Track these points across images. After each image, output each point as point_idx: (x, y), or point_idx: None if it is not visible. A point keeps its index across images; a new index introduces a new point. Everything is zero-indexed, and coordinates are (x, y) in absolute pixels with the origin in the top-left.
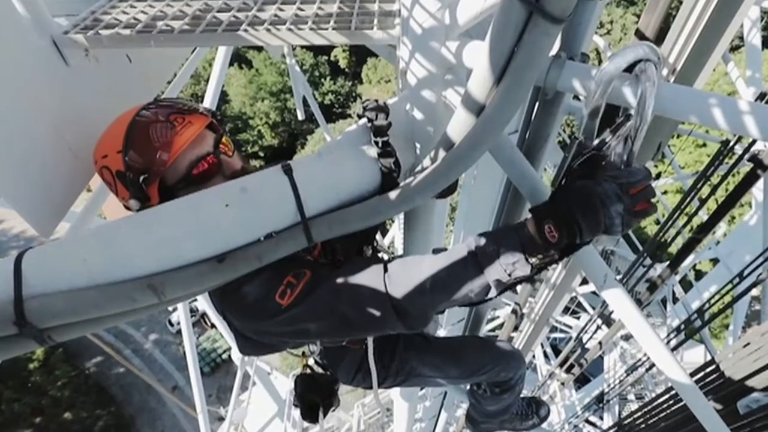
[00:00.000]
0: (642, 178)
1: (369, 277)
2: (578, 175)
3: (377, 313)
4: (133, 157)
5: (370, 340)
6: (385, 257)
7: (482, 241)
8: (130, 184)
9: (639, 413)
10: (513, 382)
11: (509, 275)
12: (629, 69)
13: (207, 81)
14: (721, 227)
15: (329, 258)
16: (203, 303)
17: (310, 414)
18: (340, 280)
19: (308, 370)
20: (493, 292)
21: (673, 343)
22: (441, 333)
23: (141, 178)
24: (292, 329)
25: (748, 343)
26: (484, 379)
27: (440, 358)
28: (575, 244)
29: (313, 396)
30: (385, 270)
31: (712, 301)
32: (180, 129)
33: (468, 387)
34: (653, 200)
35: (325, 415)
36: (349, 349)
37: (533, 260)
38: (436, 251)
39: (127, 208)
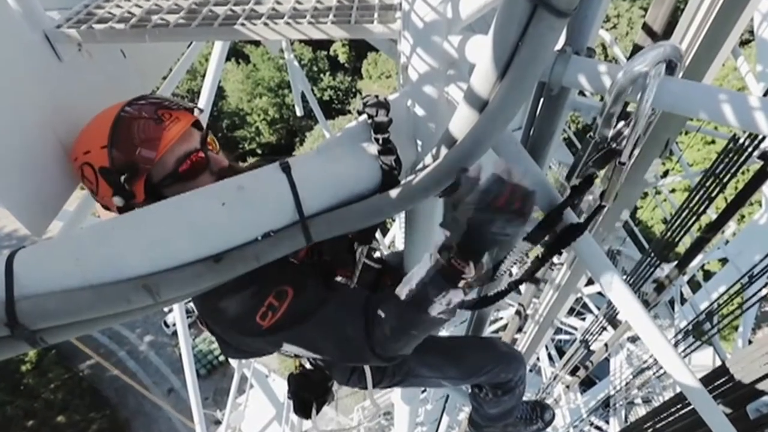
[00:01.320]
0: (496, 190)
1: (352, 324)
2: (448, 203)
3: (356, 354)
4: (120, 153)
5: None
6: (384, 252)
7: (413, 283)
8: (114, 180)
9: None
10: (513, 383)
11: (447, 305)
12: None
13: (203, 76)
14: (731, 226)
15: (316, 258)
16: None
17: (304, 410)
18: (323, 320)
19: (302, 369)
20: (449, 315)
21: (682, 347)
22: (442, 333)
23: (126, 174)
24: (272, 348)
25: (759, 346)
26: (483, 380)
27: (439, 359)
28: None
29: (307, 394)
30: (370, 311)
31: (721, 302)
32: (168, 124)
33: (469, 390)
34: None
35: (318, 412)
36: None
37: (461, 285)
38: None
39: (106, 207)
